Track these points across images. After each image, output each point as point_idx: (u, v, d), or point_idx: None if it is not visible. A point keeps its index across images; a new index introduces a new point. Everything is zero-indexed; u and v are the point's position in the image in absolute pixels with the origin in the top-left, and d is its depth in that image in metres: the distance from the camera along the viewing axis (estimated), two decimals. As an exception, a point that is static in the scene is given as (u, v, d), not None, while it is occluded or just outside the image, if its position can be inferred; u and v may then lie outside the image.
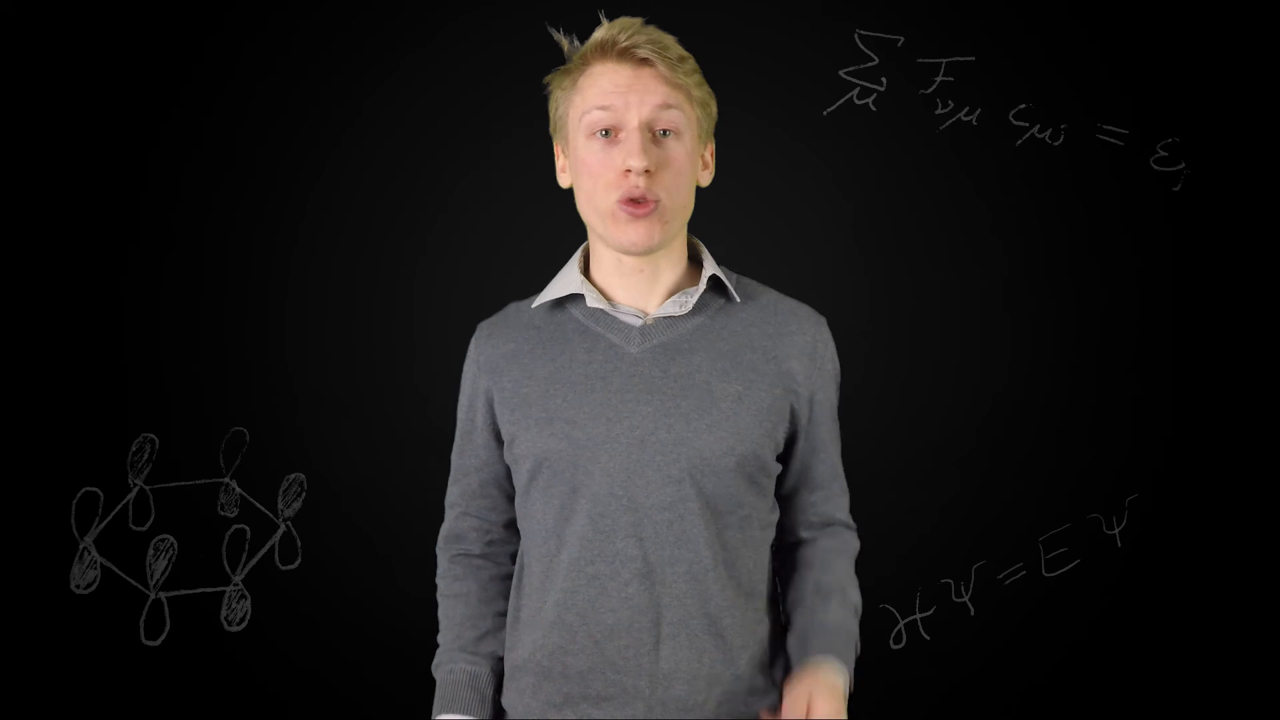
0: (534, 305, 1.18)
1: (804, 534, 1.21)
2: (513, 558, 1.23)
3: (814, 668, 1.09)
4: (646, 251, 1.09)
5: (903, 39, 2.00)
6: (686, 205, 1.12)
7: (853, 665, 1.14)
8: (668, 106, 1.06)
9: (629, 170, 1.05)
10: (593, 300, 1.13)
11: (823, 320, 1.18)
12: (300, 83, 1.96)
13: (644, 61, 1.05)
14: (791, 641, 1.16)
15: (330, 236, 2.00)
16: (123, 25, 1.89)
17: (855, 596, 1.19)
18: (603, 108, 1.06)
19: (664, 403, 1.08)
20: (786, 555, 1.22)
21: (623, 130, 1.06)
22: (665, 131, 1.07)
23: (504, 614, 1.21)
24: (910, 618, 2.07)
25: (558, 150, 1.15)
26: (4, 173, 1.87)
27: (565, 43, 1.11)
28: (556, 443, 1.09)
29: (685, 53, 1.09)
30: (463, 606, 1.22)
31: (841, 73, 2.00)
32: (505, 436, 1.15)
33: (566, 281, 1.16)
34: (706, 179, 1.16)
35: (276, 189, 1.98)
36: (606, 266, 1.14)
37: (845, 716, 1.07)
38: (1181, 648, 2.06)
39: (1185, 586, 2.06)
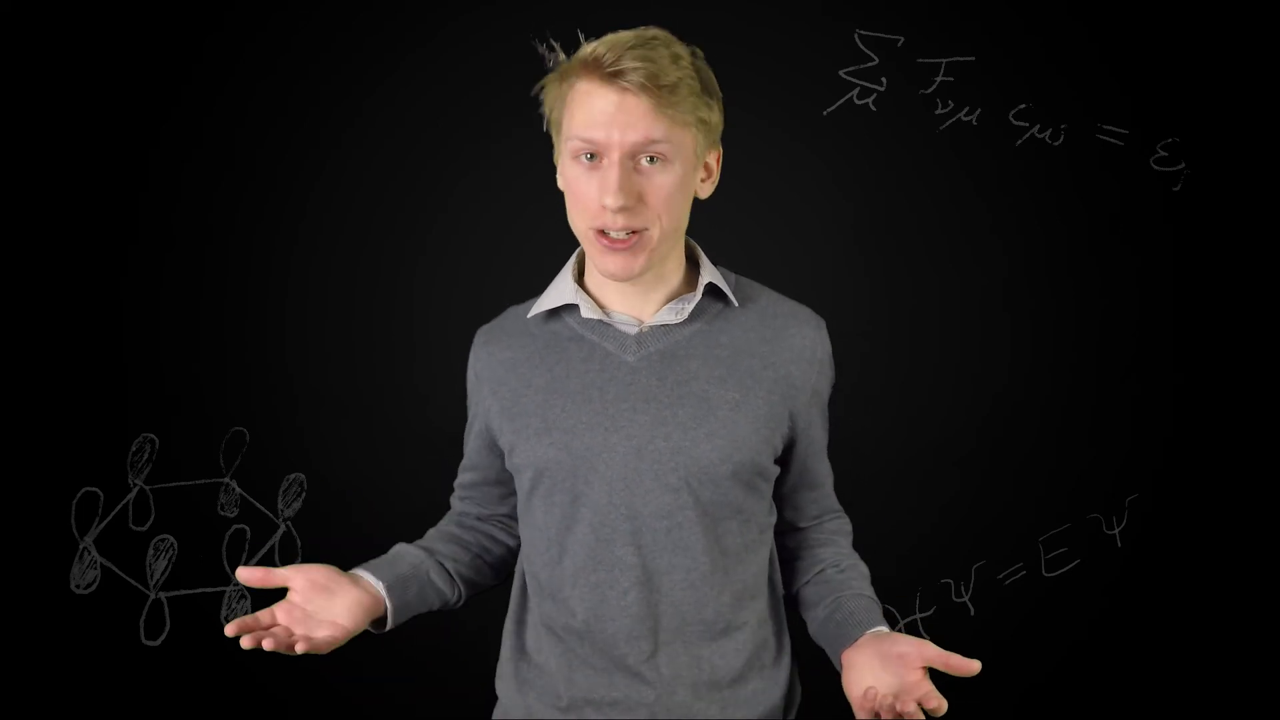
0: (529, 315, 1.17)
1: (803, 524, 1.23)
2: (493, 536, 1.27)
3: (879, 637, 1.05)
4: (627, 280, 1.07)
5: (903, 39, 2.00)
6: (677, 229, 1.08)
7: None
8: (652, 137, 1.00)
9: (605, 205, 1.01)
10: (587, 311, 1.11)
11: (822, 323, 1.17)
12: (300, 83, 1.96)
13: (630, 89, 0.99)
14: (821, 615, 1.15)
15: (330, 236, 2.00)
16: (123, 25, 1.89)
17: (865, 568, 1.21)
18: (584, 136, 1.01)
19: (661, 411, 1.07)
20: (787, 541, 1.23)
21: (605, 157, 1.01)
22: (652, 159, 1.02)
23: (467, 546, 1.25)
24: (910, 618, 2.07)
25: (557, 151, 1.12)
26: (4, 173, 1.87)
27: (550, 57, 1.06)
28: (555, 453, 1.09)
29: (680, 75, 1.00)
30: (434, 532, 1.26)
31: (841, 73, 2.00)
32: (504, 446, 1.15)
33: (560, 291, 1.14)
34: (707, 190, 1.12)
35: (276, 189, 1.98)
36: (600, 274, 1.12)
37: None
38: (1181, 648, 2.06)
39: (1185, 586, 2.06)
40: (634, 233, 1.03)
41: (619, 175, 1.00)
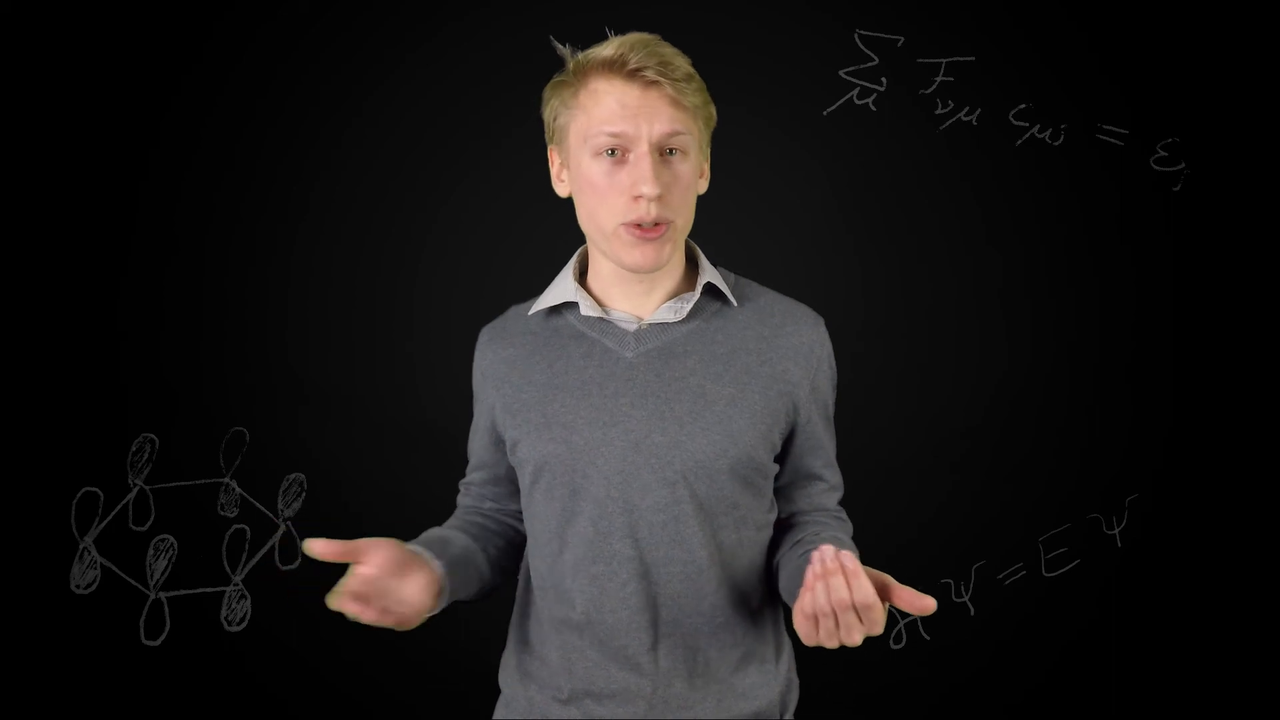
0: (530, 312, 1.19)
1: (797, 521, 1.21)
2: (513, 527, 1.26)
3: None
4: (653, 271, 1.10)
5: (903, 39, 2.00)
6: (691, 221, 1.12)
7: None
8: (676, 127, 1.05)
9: (639, 196, 1.04)
10: (586, 309, 1.13)
11: (820, 321, 1.18)
12: (300, 83, 1.96)
13: (652, 83, 1.04)
14: (784, 553, 1.13)
15: (330, 236, 2.00)
16: (123, 25, 1.89)
17: (849, 542, 1.18)
18: (612, 130, 1.04)
19: (658, 406, 1.09)
20: (776, 530, 1.21)
21: (631, 152, 1.05)
22: (673, 151, 1.06)
23: (500, 534, 1.23)
24: (910, 618, 2.07)
25: (553, 157, 1.14)
26: (4, 173, 1.87)
27: (568, 54, 1.09)
28: (555, 447, 1.10)
29: (691, 69, 1.07)
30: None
31: (841, 73, 2.01)
32: (507, 441, 1.16)
33: (561, 289, 1.16)
34: (703, 187, 1.16)
35: (277, 189, 1.98)
36: (603, 274, 1.15)
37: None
38: (1181, 647, 2.06)
39: (1185, 586, 2.06)
40: (660, 224, 1.06)
41: (652, 165, 1.04)
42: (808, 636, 0.94)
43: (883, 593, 0.93)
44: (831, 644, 0.93)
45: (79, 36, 1.87)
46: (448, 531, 1.18)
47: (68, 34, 1.87)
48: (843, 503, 1.25)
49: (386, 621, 1.00)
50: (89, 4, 1.87)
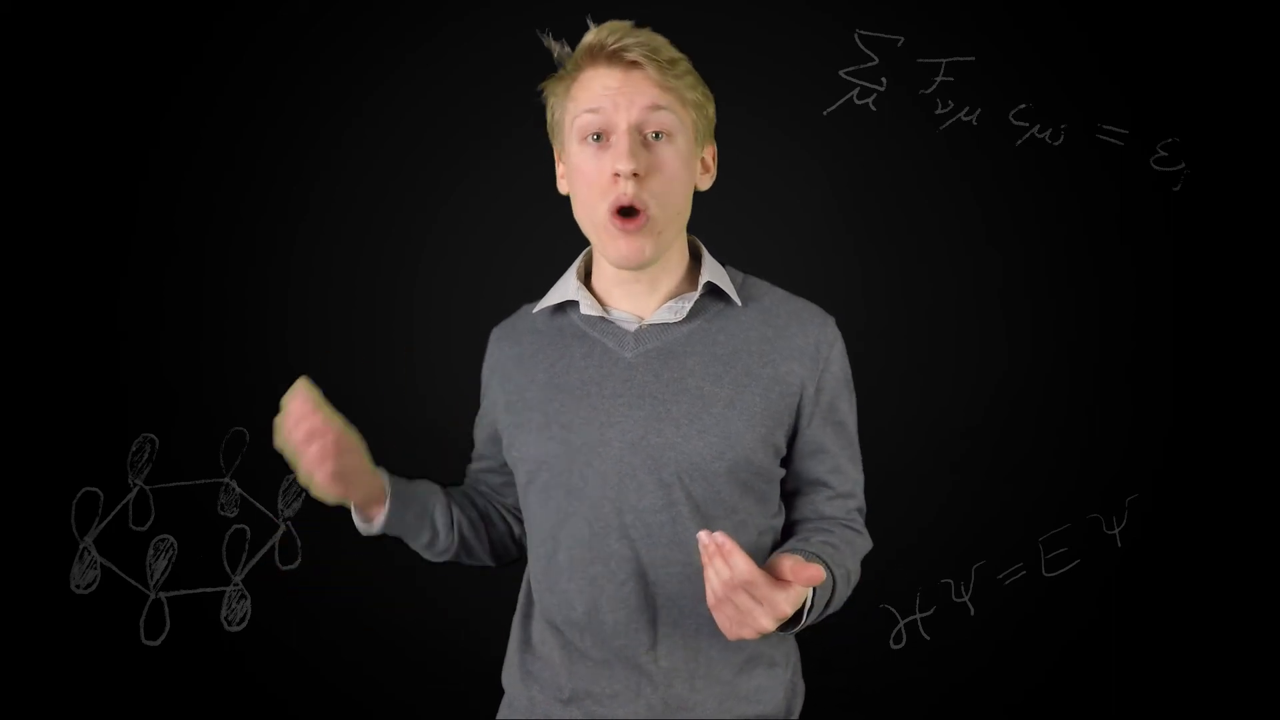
0: (535, 310, 1.20)
1: (795, 530, 1.20)
2: (500, 513, 1.29)
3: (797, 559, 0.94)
4: (639, 266, 1.09)
5: (903, 39, 2.00)
6: (681, 212, 1.11)
7: (823, 608, 1.04)
8: (657, 108, 1.04)
9: (616, 174, 1.04)
10: (586, 308, 1.13)
11: (829, 320, 1.17)
12: (300, 83, 1.96)
13: (634, 64, 1.04)
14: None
15: (331, 236, 2.00)
16: (123, 25, 1.89)
17: (854, 564, 1.13)
18: (592, 110, 1.05)
19: (656, 407, 1.08)
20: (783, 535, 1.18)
21: (613, 134, 1.05)
22: (657, 134, 1.05)
23: (475, 506, 1.26)
24: (910, 618, 2.07)
25: (557, 156, 1.15)
26: (4, 173, 1.87)
27: (557, 49, 1.10)
28: (553, 447, 1.11)
29: (678, 55, 1.07)
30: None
31: (841, 73, 2.00)
32: (505, 439, 1.17)
33: (564, 288, 1.17)
34: (706, 183, 1.15)
35: (277, 189, 1.98)
36: (606, 273, 1.15)
37: (775, 619, 0.92)
38: (1181, 647, 2.06)
39: (1185, 587, 2.06)
40: (638, 212, 1.05)
41: (629, 143, 1.03)
42: (723, 628, 0.94)
43: (781, 574, 0.92)
44: (745, 633, 0.92)
45: (79, 36, 1.87)
46: (423, 481, 1.22)
47: (68, 34, 1.87)
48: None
49: (329, 452, 1.07)
50: (89, 4, 1.87)
